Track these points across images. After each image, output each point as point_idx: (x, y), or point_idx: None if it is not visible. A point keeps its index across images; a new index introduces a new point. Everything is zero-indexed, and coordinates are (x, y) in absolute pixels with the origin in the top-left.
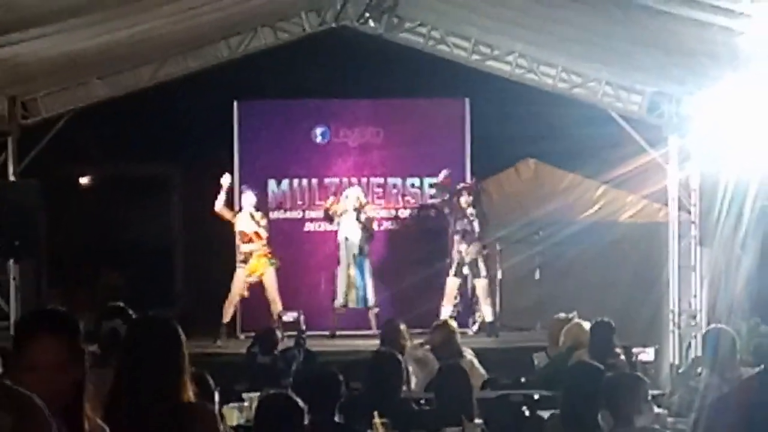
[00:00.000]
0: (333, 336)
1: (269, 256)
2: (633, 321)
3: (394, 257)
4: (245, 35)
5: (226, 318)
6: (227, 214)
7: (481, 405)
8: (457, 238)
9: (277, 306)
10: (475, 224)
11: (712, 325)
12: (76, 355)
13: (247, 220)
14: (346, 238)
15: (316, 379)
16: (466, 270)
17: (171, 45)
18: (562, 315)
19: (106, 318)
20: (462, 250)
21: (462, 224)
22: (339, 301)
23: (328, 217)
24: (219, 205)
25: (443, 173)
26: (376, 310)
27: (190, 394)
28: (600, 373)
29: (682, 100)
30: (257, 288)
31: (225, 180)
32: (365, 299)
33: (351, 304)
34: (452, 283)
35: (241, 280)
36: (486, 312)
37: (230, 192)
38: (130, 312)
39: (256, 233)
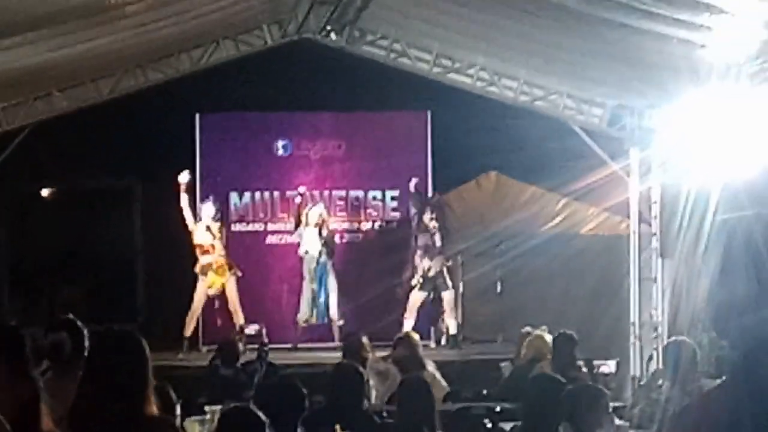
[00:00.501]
0: (295, 349)
1: (228, 266)
2: (594, 333)
3: (355, 270)
4: (206, 48)
5: (188, 331)
6: (188, 217)
7: (443, 417)
8: (419, 252)
9: (239, 317)
10: (437, 239)
11: (673, 338)
12: (20, 373)
13: (203, 233)
14: (306, 252)
15: (278, 392)
16: (430, 284)
17: (132, 58)
18: (530, 329)
19: (51, 330)
20: (425, 265)
21: (424, 239)
22: (301, 315)
23: (297, 221)
24: (184, 202)
25: (414, 181)
26: (340, 323)
27: (153, 407)
28: (561, 386)
29: (644, 113)
30: (219, 300)
31: (183, 177)
32: (326, 314)
33: (313, 320)
34: (417, 297)
35: (201, 292)
36: (450, 324)
37: (190, 190)
38: (79, 325)
39: (212, 246)
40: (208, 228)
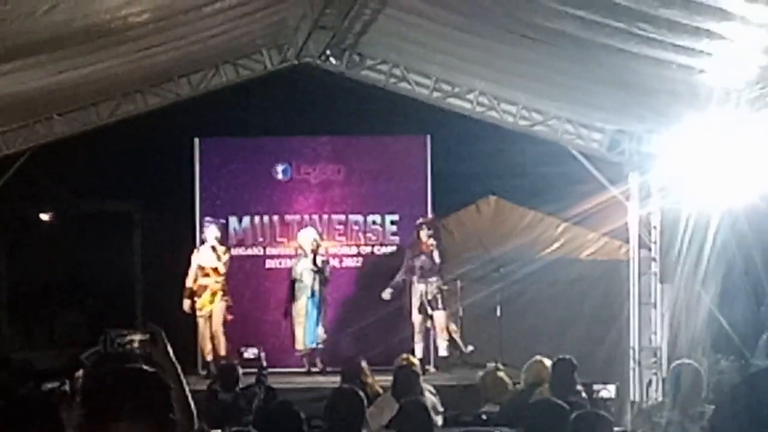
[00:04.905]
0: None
1: (222, 292)
2: (594, 358)
3: (354, 294)
4: (206, 72)
5: (207, 355)
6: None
7: None
8: (416, 276)
9: (219, 343)
10: (436, 258)
11: (678, 361)
12: None
13: (208, 254)
14: (300, 279)
15: (277, 416)
16: (427, 306)
17: (132, 82)
18: (483, 371)
19: None
20: (421, 288)
21: (420, 261)
22: (300, 344)
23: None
24: (186, 307)
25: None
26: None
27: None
28: (562, 411)
29: (643, 138)
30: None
31: (189, 281)
32: (314, 339)
33: (307, 344)
34: (418, 319)
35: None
36: (441, 346)
37: (192, 294)
38: None
39: (215, 269)
40: (214, 249)
